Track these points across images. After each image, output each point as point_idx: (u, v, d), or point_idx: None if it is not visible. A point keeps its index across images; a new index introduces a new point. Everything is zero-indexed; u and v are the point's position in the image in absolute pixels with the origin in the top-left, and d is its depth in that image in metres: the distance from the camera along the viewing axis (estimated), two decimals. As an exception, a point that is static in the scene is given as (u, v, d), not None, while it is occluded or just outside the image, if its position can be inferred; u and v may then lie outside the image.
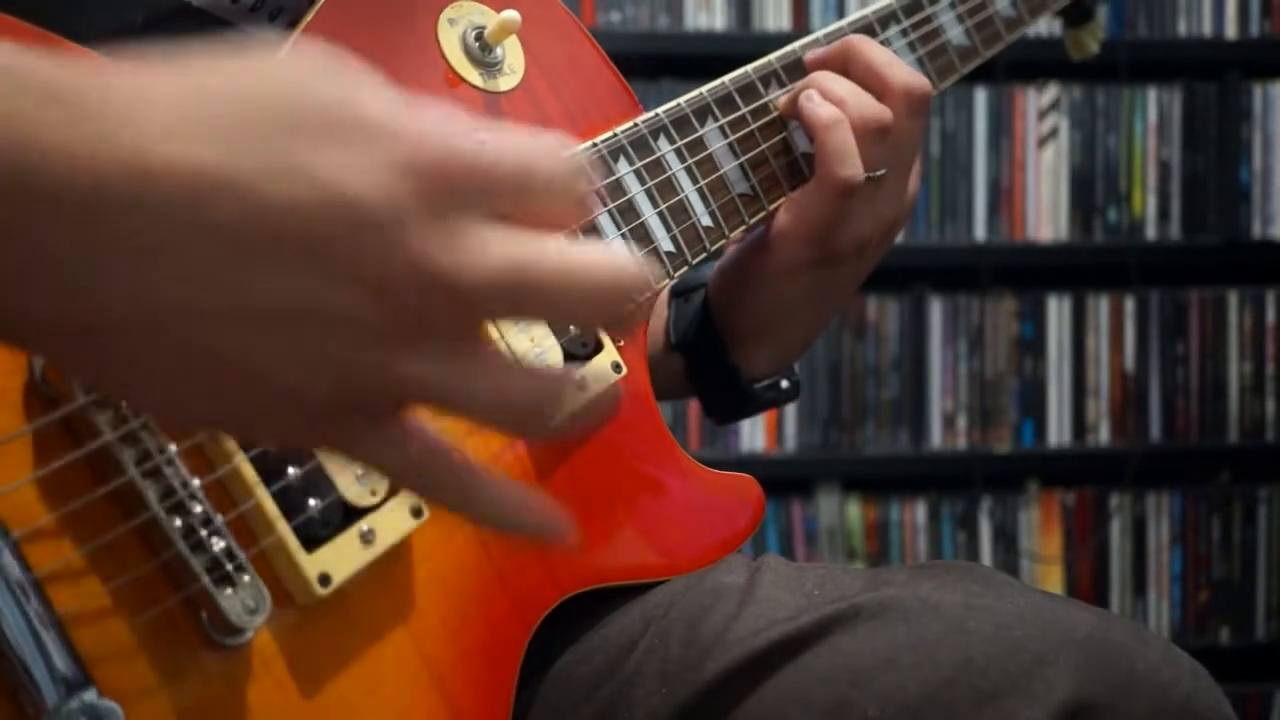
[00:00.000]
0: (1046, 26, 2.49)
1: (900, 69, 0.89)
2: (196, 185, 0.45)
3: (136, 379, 0.48)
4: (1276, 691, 2.52)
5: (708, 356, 0.97)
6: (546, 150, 0.49)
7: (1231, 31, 2.54)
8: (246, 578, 0.60)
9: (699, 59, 2.43)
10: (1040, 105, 2.52)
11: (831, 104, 0.87)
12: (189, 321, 0.46)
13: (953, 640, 0.67)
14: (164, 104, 0.46)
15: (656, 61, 2.36)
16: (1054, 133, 2.52)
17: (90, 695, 0.54)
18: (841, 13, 2.47)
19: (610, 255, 0.49)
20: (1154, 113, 2.54)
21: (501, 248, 0.47)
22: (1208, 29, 2.53)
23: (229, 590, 0.59)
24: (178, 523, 0.58)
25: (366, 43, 0.75)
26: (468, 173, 0.48)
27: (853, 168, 0.86)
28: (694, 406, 2.44)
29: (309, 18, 0.74)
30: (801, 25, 2.46)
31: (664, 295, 1.02)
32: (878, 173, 0.88)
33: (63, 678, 0.53)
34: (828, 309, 0.96)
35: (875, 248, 0.92)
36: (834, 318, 0.98)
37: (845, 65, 0.91)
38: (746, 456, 2.46)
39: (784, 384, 0.98)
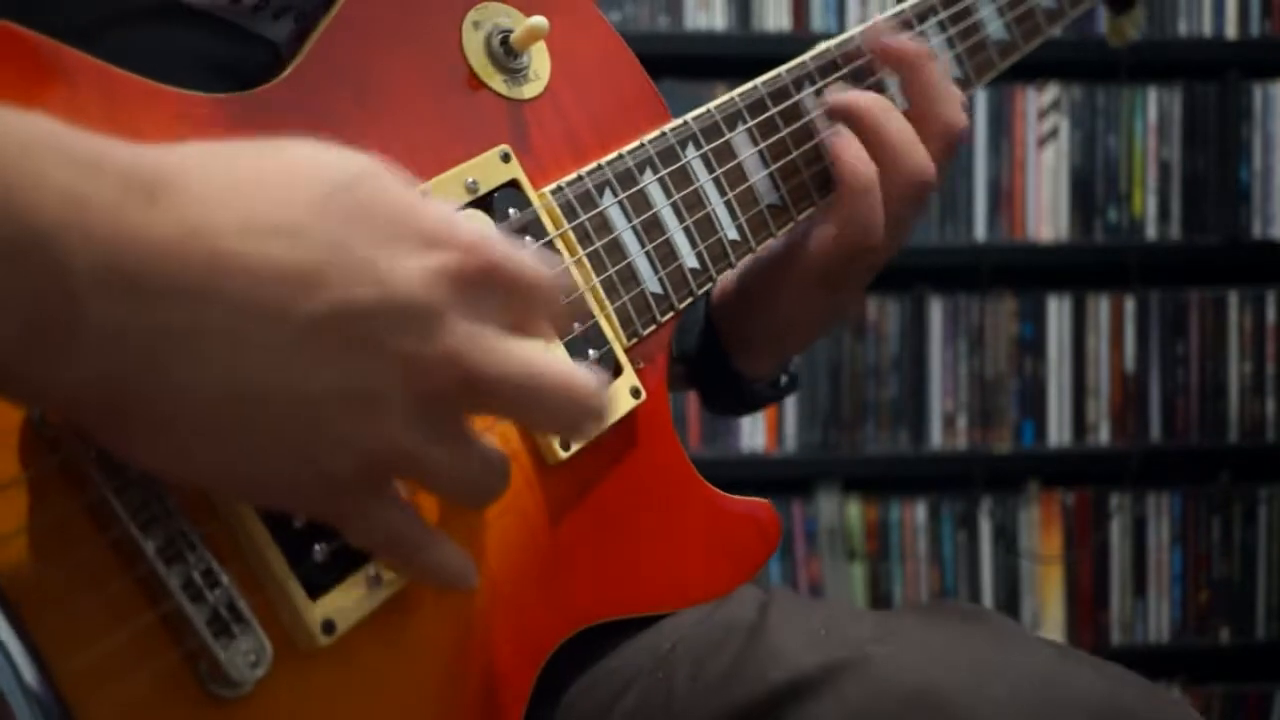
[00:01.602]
0: (1047, 26, 2.49)
1: (951, 106, 0.89)
2: (270, 278, 0.51)
3: (184, 451, 0.53)
4: (1276, 691, 2.51)
5: (710, 364, 0.98)
6: (547, 271, 0.58)
7: (1231, 31, 2.54)
8: (247, 629, 0.58)
9: (699, 59, 2.43)
10: (1040, 105, 2.52)
11: (872, 162, 0.86)
12: (250, 399, 0.52)
13: (964, 701, 0.66)
14: (240, 200, 0.51)
15: (656, 61, 2.36)
16: (1054, 133, 2.52)
17: None
18: (841, 13, 2.47)
19: (592, 379, 0.58)
20: (1154, 113, 2.54)
21: (519, 352, 0.56)
22: (1208, 29, 2.53)
23: (228, 643, 0.57)
24: (176, 574, 0.57)
25: (388, 47, 0.73)
26: (497, 280, 0.56)
27: (874, 236, 0.86)
28: (694, 405, 2.44)
29: (330, 17, 0.71)
30: (802, 25, 2.46)
31: None
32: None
33: None
34: (830, 321, 0.97)
35: (879, 266, 0.93)
36: (834, 325, 1.00)
37: (903, 73, 0.90)
38: (746, 456, 2.46)
39: (782, 379, 0.99)
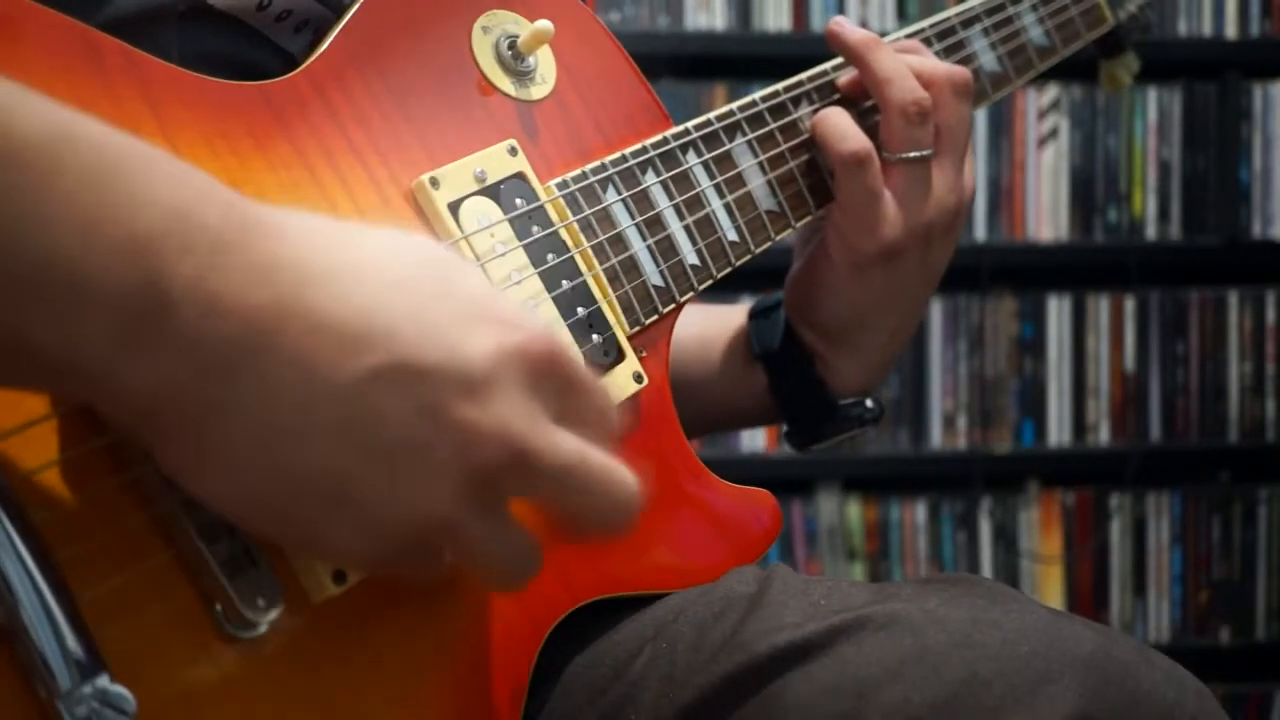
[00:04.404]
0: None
1: (936, 61, 0.93)
2: (344, 321, 0.54)
3: (233, 474, 0.55)
4: (1276, 691, 2.52)
5: (792, 369, 0.98)
6: (603, 385, 0.63)
7: (1231, 31, 2.54)
8: (261, 572, 0.60)
9: (699, 59, 2.43)
10: (1040, 105, 2.52)
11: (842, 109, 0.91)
12: (304, 434, 0.54)
13: (958, 654, 0.67)
14: (330, 253, 0.55)
15: (656, 61, 2.36)
16: (1054, 133, 2.52)
17: (103, 680, 0.54)
18: (841, 13, 2.47)
19: (630, 475, 0.61)
20: (1154, 113, 2.54)
21: (570, 438, 0.59)
22: (1208, 29, 2.53)
23: (242, 583, 0.59)
24: (194, 515, 0.59)
25: (400, 49, 0.75)
26: (558, 370, 0.59)
27: (852, 142, 0.88)
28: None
29: (343, 23, 0.74)
30: (802, 25, 2.46)
31: (721, 321, 1.02)
32: (923, 153, 0.89)
33: (76, 662, 0.54)
34: (905, 310, 0.96)
35: (940, 238, 0.92)
36: (915, 323, 0.99)
37: (852, 62, 0.93)
38: (747, 456, 2.46)
39: (869, 403, 0.98)
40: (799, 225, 0.90)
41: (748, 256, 0.87)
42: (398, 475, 0.55)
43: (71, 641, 0.54)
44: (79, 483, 0.57)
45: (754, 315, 1.01)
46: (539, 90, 0.80)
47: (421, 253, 0.58)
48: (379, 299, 0.55)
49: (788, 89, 0.91)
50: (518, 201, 0.76)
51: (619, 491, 0.60)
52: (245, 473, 0.55)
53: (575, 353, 0.61)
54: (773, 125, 0.90)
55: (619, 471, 0.61)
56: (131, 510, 0.58)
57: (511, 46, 0.79)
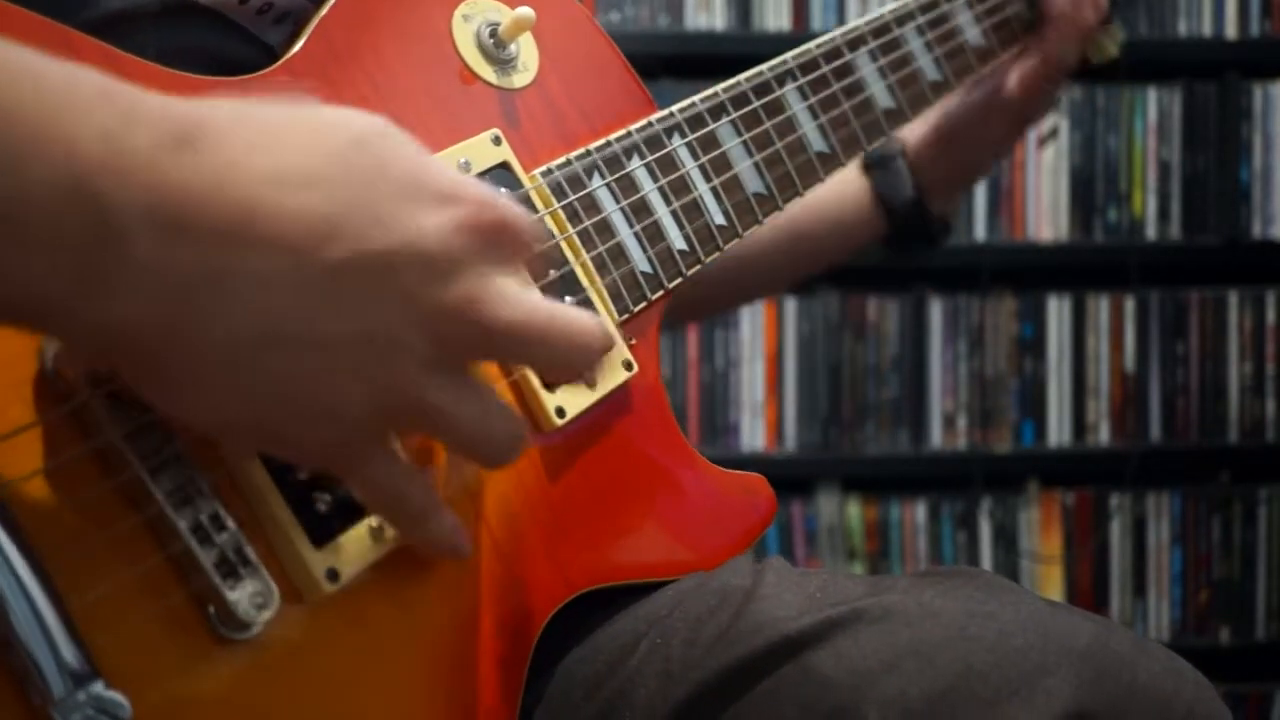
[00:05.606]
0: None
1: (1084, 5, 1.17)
2: (295, 224, 0.54)
3: (209, 394, 0.55)
4: (1276, 691, 2.52)
5: (910, 210, 1.19)
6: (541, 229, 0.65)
7: (1231, 31, 2.54)
8: (254, 572, 0.60)
9: (699, 59, 2.43)
10: (1040, 105, 2.52)
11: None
12: (276, 341, 0.54)
13: (954, 646, 0.66)
14: (265, 151, 0.54)
15: (656, 61, 2.36)
16: (1054, 133, 2.52)
17: (97, 687, 0.54)
18: (841, 12, 2.47)
19: (595, 319, 0.63)
20: (1154, 113, 2.54)
21: (531, 297, 0.60)
22: (1208, 29, 2.53)
23: (235, 585, 0.59)
24: (185, 517, 0.59)
25: (381, 39, 0.75)
26: (510, 234, 0.60)
27: (1070, 60, 1.13)
28: (693, 406, 2.44)
29: (321, 14, 0.74)
30: (802, 25, 2.46)
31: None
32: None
33: (70, 669, 0.54)
34: (1006, 153, 1.21)
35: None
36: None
37: None
38: (747, 456, 2.46)
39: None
40: (785, 207, 0.90)
41: (735, 240, 0.86)
42: (366, 362, 0.56)
43: (64, 648, 0.54)
44: (68, 489, 0.57)
45: (870, 167, 1.20)
46: (521, 78, 0.80)
47: (348, 131, 0.57)
48: (321, 192, 0.55)
49: (772, 68, 0.91)
50: (502, 190, 0.75)
51: (588, 336, 0.62)
52: (222, 390, 0.55)
53: (515, 209, 0.61)
54: (757, 104, 0.89)
55: (583, 317, 0.62)
56: (122, 514, 0.58)
57: (493, 34, 0.79)
